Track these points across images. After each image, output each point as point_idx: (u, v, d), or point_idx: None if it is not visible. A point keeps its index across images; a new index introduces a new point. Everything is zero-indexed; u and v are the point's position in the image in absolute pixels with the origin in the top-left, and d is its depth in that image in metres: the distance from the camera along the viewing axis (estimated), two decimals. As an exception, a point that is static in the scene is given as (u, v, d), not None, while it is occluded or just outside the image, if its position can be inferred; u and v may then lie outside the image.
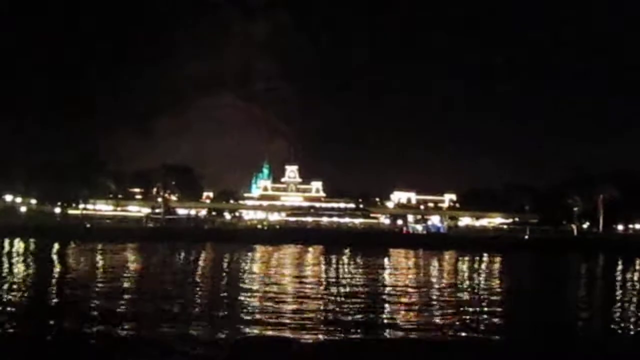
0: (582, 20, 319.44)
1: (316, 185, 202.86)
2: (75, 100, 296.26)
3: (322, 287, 44.89)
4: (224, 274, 56.01)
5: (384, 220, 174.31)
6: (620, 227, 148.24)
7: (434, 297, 40.18)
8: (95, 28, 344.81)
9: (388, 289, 44.63)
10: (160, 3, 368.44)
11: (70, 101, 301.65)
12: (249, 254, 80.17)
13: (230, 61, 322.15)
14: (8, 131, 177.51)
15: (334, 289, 43.84)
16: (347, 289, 44.15)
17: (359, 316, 32.08)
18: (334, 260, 73.09)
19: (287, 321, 29.39)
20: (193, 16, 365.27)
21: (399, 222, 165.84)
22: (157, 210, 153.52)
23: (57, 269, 56.79)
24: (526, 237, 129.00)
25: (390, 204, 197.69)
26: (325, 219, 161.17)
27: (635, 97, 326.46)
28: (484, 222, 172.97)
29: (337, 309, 33.98)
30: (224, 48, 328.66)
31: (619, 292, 50.20)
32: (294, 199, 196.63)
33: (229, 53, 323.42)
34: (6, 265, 56.47)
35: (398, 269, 64.79)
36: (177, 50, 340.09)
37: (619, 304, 42.33)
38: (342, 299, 38.05)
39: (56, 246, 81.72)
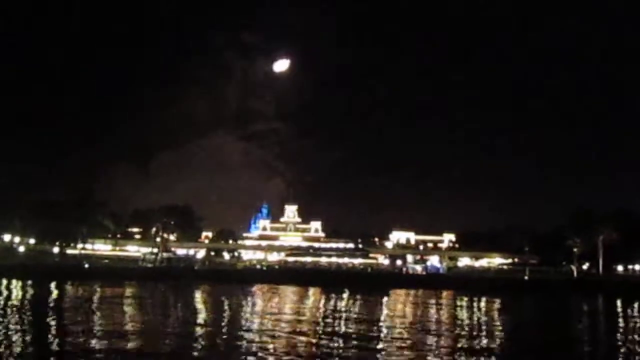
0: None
1: (315, 225, 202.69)
2: (72, 138, 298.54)
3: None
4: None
5: (383, 260, 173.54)
6: (620, 268, 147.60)
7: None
8: (94, 67, 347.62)
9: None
10: (161, 44, 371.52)
11: (68, 139, 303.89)
12: (247, 299, 77.83)
13: (229, 101, 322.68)
14: (4, 169, 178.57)
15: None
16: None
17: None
18: (332, 304, 72.01)
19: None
20: (192, 57, 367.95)
21: (398, 262, 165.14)
22: (154, 251, 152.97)
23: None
24: (526, 277, 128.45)
25: (389, 244, 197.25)
26: (324, 259, 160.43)
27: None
28: (483, 262, 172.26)
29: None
30: (222, 88, 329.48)
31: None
32: (293, 239, 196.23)
33: (228, 93, 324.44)
34: None
35: (395, 315, 62.51)
36: (176, 90, 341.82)
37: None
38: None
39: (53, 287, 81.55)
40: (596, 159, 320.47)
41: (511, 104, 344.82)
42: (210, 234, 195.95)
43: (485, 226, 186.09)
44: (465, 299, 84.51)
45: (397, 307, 71.09)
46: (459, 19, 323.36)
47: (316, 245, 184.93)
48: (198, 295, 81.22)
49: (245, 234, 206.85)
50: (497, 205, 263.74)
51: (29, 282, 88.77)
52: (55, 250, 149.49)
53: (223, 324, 50.27)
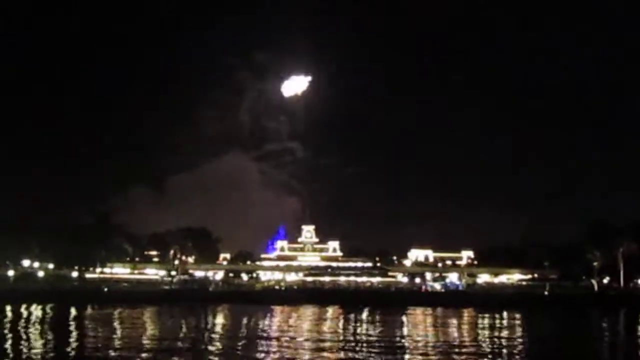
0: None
1: (333, 244, 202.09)
2: (89, 161, 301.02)
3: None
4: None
5: (402, 278, 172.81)
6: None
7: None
8: (109, 86, 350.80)
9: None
10: (175, 63, 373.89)
11: (85, 161, 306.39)
12: (261, 321, 74.50)
13: (244, 122, 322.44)
14: (22, 193, 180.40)
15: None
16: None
17: None
18: (352, 325, 70.57)
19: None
20: (207, 77, 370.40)
21: (417, 280, 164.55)
22: (172, 273, 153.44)
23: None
24: (546, 293, 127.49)
25: (407, 262, 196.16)
26: (342, 279, 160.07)
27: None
28: (502, 278, 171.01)
29: None
30: (237, 108, 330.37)
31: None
32: (311, 259, 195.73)
33: (243, 113, 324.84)
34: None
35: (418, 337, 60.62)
36: (191, 110, 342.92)
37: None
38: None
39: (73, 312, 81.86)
40: (611, 170, 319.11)
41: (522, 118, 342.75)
42: (228, 256, 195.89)
43: (504, 242, 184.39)
44: (487, 315, 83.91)
45: (417, 327, 70.25)
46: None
47: (334, 264, 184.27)
48: (208, 318, 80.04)
49: (263, 255, 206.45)
50: (514, 220, 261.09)
51: (49, 306, 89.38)
52: (74, 274, 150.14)
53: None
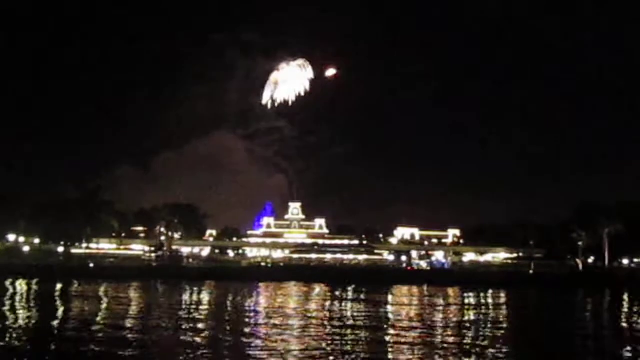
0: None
1: (320, 222, 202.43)
2: (77, 137, 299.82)
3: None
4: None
5: (388, 256, 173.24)
6: (625, 261, 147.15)
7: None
8: (97, 66, 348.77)
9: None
10: (162, 41, 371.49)
11: (72, 138, 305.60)
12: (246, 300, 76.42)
13: (231, 99, 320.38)
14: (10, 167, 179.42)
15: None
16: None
17: None
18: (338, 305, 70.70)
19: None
20: (194, 54, 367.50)
21: (403, 258, 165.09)
22: (151, 249, 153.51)
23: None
24: (531, 272, 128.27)
25: (394, 240, 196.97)
26: (329, 256, 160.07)
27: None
28: (488, 257, 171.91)
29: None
30: (224, 86, 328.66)
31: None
32: (298, 236, 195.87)
33: (230, 91, 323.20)
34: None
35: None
36: (178, 89, 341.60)
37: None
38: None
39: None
40: (596, 151, 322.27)
41: (510, 101, 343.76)
42: (214, 232, 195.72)
43: (490, 221, 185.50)
44: (472, 294, 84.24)
45: (402, 307, 70.02)
46: (460, 19, 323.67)
47: (321, 242, 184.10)
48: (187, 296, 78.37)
49: (249, 232, 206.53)
50: (501, 199, 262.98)
51: (34, 281, 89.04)
52: (60, 249, 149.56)
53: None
